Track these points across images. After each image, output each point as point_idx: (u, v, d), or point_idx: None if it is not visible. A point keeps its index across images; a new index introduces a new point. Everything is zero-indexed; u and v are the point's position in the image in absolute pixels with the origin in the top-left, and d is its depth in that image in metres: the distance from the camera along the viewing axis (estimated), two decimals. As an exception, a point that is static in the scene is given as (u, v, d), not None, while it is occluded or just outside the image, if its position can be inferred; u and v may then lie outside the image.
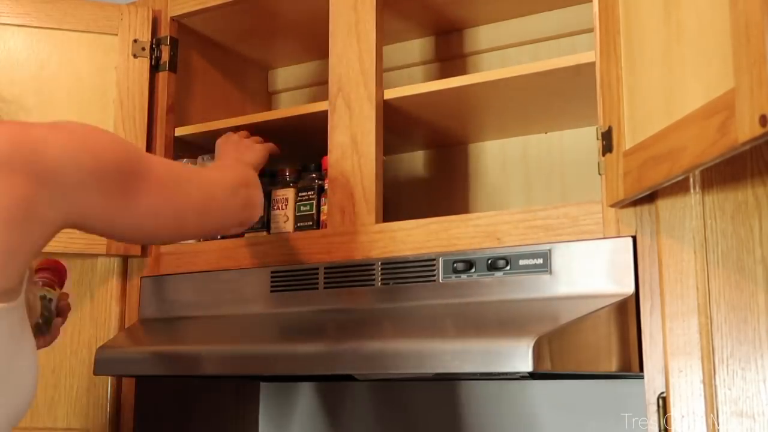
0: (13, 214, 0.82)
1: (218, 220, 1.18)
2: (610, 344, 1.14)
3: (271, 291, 1.45)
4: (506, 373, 1.22)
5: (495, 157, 1.72)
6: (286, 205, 1.56)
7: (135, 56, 1.65)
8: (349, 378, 1.59)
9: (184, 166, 1.29)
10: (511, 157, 1.70)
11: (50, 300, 1.28)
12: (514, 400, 1.62)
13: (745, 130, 0.77)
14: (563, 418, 1.57)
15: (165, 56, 1.68)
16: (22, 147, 0.84)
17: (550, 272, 1.22)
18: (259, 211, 1.27)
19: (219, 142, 1.48)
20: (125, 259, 1.61)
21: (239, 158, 1.39)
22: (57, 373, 1.59)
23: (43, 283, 1.30)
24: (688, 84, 0.92)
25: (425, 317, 1.27)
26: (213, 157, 1.53)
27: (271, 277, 1.46)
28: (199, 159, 1.63)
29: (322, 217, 1.51)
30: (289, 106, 1.94)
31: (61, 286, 1.33)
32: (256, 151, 1.45)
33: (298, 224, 1.53)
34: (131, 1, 1.74)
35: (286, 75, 2.00)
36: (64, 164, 0.87)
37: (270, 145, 1.49)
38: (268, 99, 2.01)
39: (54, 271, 1.33)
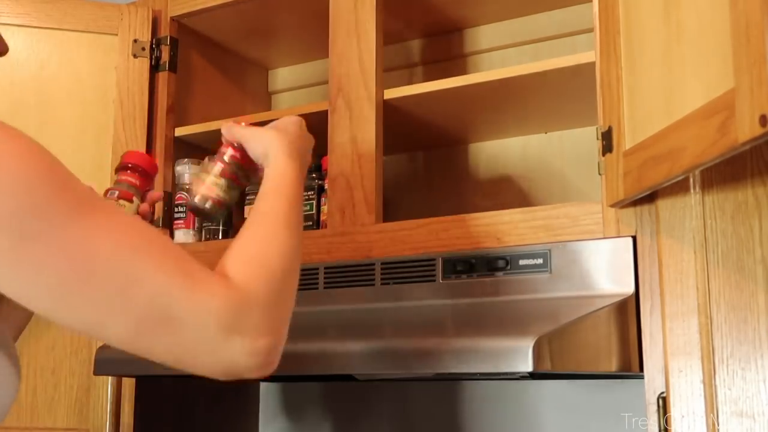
0: None
1: (174, 358, 0.77)
2: (610, 344, 1.14)
3: (271, 291, 1.45)
4: (506, 373, 1.22)
5: (495, 157, 1.72)
6: (286, 205, 1.55)
7: (135, 56, 1.65)
8: (349, 378, 1.59)
9: (152, 245, 0.75)
10: (511, 157, 1.70)
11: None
12: (514, 400, 1.62)
13: (745, 130, 0.77)
14: (563, 418, 1.57)
15: (165, 56, 1.68)
16: None
17: (550, 272, 1.22)
18: (273, 366, 0.83)
19: (228, 125, 1.10)
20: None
21: (297, 166, 0.98)
22: (57, 373, 1.59)
23: (120, 194, 1.19)
24: (688, 84, 0.92)
25: (425, 317, 1.27)
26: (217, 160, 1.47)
27: (271, 277, 1.45)
28: (206, 160, 1.61)
29: (322, 217, 1.51)
30: (289, 106, 1.94)
31: (146, 186, 1.22)
32: (308, 138, 1.08)
33: (298, 224, 1.53)
34: (131, 1, 1.74)
35: (286, 75, 2.00)
36: None
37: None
38: (268, 99, 2.01)
39: (136, 171, 1.21)
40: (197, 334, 0.74)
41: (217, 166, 1.10)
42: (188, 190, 1.21)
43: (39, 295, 0.71)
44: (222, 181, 1.10)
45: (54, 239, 0.69)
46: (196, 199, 1.10)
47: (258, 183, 0.99)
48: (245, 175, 1.11)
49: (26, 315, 1.13)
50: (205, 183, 1.10)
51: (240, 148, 1.07)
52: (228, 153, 1.09)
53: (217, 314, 0.74)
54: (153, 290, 0.72)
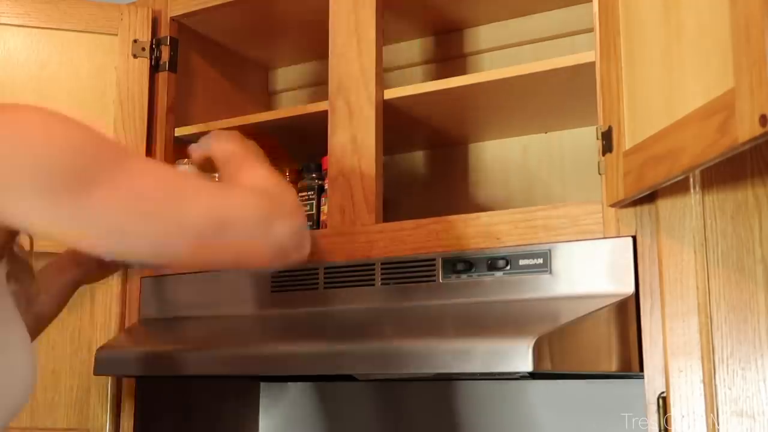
0: None
1: (234, 255, 0.91)
2: (610, 344, 1.14)
3: (271, 291, 1.45)
4: (506, 373, 1.22)
5: (495, 157, 1.72)
6: (286, 205, 1.56)
7: (135, 56, 1.65)
8: (349, 378, 1.59)
9: (188, 180, 0.92)
10: (511, 157, 1.70)
11: None
12: (514, 400, 1.62)
13: (745, 130, 0.77)
14: (563, 418, 1.57)
15: (165, 56, 1.68)
16: None
17: (550, 272, 1.22)
18: (305, 251, 0.97)
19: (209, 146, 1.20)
20: (125, 259, 1.61)
21: (250, 154, 1.13)
22: (57, 373, 1.59)
23: None
24: (687, 84, 0.92)
25: (425, 317, 1.27)
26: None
27: (271, 277, 1.46)
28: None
29: (322, 217, 1.51)
30: (289, 106, 1.94)
31: None
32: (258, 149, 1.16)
33: (298, 224, 1.53)
34: (131, 1, 1.74)
35: (286, 75, 2.00)
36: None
37: None
38: (268, 99, 2.01)
39: None
40: (249, 229, 0.89)
41: None
42: None
43: (110, 232, 0.81)
44: None
45: (113, 179, 0.80)
46: None
47: None
48: None
49: (52, 312, 1.21)
50: None
51: None
52: None
53: (260, 208, 0.90)
54: (205, 203, 0.87)
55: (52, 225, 0.80)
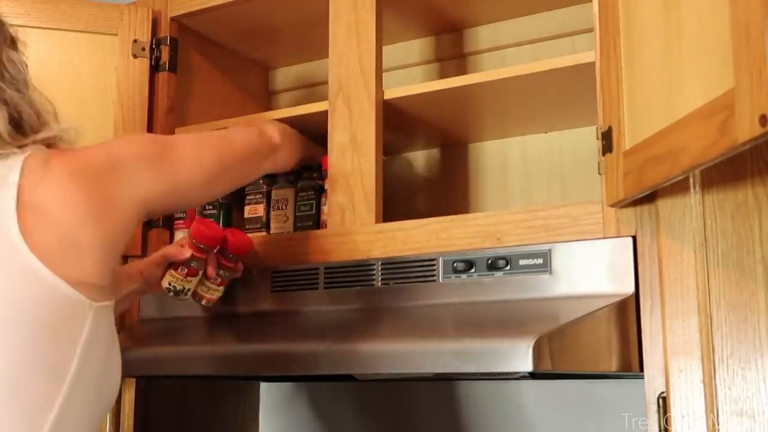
0: (101, 210, 0.98)
1: (250, 155, 1.34)
2: (610, 344, 1.14)
3: (272, 291, 1.45)
4: (506, 373, 1.22)
5: (495, 157, 1.72)
6: (286, 205, 1.56)
7: (135, 56, 1.65)
8: (349, 378, 1.59)
9: (206, 133, 1.47)
10: (511, 157, 1.70)
11: (177, 291, 1.40)
12: (514, 400, 1.62)
13: (745, 130, 0.77)
14: (563, 418, 1.57)
15: (165, 56, 1.68)
16: (83, 160, 1.02)
17: (550, 272, 1.22)
18: (276, 137, 1.41)
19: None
20: (125, 259, 1.61)
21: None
22: (57, 373, 1.59)
23: (188, 271, 1.40)
24: (688, 84, 0.92)
25: (425, 317, 1.27)
26: None
27: (272, 277, 1.46)
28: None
29: (322, 217, 1.51)
30: (289, 106, 1.94)
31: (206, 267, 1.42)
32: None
33: (298, 224, 1.53)
34: (131, 1, 1.74)
35: (286, 75, 2.00)
36: (118, 160, 1.05)
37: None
38: (268, 99, 2.01)
39: (222, 254, 1.43)
40: (249, 141, 1.36)
41: (213, 279, 1.42)
42: (194, 295, 1.45)
43: (189, 183, 1.17)
44: (219, 288, 1.45)
45: (170, 143, 1.18)
46: (203, 303, 1.45)
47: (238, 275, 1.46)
48: (231, 274, 1.44)
49: (125, 306, 1.43)
50: (207, 294, 1.44)
51: (219, 253, 1.42)
52: (213, 262, 1.41)
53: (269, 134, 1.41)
54: (238, 148, 1.31)
55: (170, 189, 1.12)
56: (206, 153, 1.22)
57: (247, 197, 1.61)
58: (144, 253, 1.60)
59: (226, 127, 1.53)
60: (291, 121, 1.57)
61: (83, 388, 0.96)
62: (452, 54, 1.77)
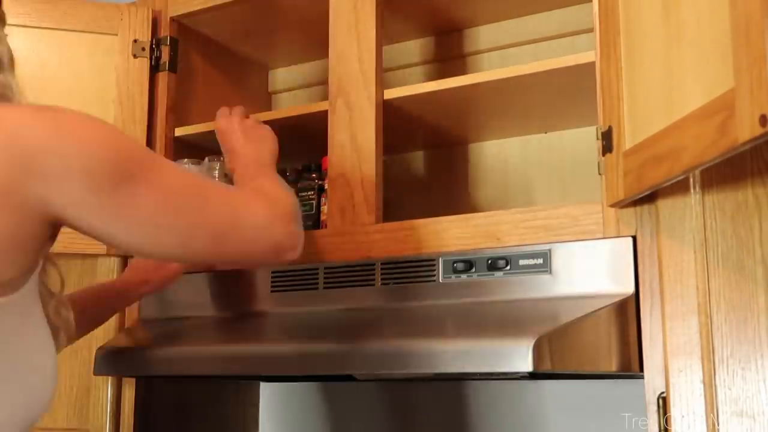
0: None
1: (240, 252, 1.01)
2: (610, 344, 1.14)
3: (272, 291, 1.45)
4: (506, 373, 1.22)
5: (495, 157, 1.72)
6: (286, 205, 1.56)
7: (135, 56, 1.65)
8: (349, 378, 1.59)
9: (207, 182, 1.15)
10: (511, 157, 1.70)
11: None
12: (514, 400, 1.62)
13: (745, 130, 0.77)
14: (563, 418, 1.57)
15: (165, 56, 1.68)
16: (1, 129, 0.81)
17: (550, 272, 1.22)
18: (298, 251, 1.06)
19: (222, 129, 1.36)
20: (125, 259, 1.61)
21: (262, 162, 1.25)
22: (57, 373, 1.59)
23: None
24: (688, 84, 0.92)
25: (425, 317, 1.27)
26: (219, 159, 1.53)
27: (271, 277, 1.46)
28: (206, 160, 1.61)
29: (322, 217, 1.51)
30: (289, 106, 1.94)
31: None
32: (268, 140, 1.32)
33: (298, 224, 1.53)
34: (131, 1, 1.74)
35: (286, 75, 2.00)
36: (45, 151, 0.82)
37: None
38: (268, 99, 2.01)
39: None
40: (255, 231, 1.00)
41: None
42: None
43: (143, 225, 0.90)
44: None
45: (147, 177, 0.89)
46: None
47: None
48: None
49: (91, 322, 1.33)
50: None
51: None
52: None
53: (264, 211, 1.02)
54: (220, 207, 0.97)
55: (94, 217, 0.87)
56: (180, 215, 0.93)
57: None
58: (144, 253, 1.60)
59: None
60: (291, 121, 1.57)
61: None
62: (452, 54, 1.77)
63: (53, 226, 0.88)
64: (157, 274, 1.40)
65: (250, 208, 1.01)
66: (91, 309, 1.33)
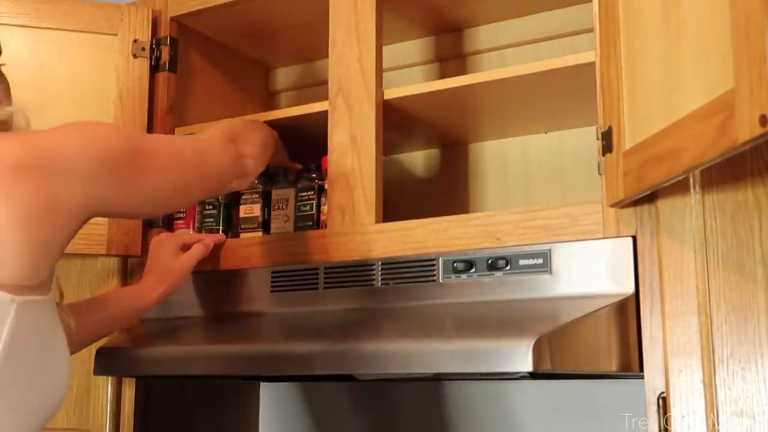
0: (40, 211, 0.92)
1: (216, 180, 1.26)
2: (610, 344, 1.14)
3: (272, 291, 1.45)
4: (506, 373, 1.22)
5: (495, 157, 1.72)
6: (286, 205, 1.56)
7: (135, 56, 1.65)
8: (349, 378, 1.59)
9: (178, 138, 1.44)
10: (511, 157, 1.70)
11: None
12: (514, 400, 1.62)
13: (745, 130, 0.77)
14: (563, 418, 1.57)
15: (165, 56, 1.68)
16: (35, 152, 0.94)
17: (550, 272, 1.22)
18: (250, 163, 1.32)
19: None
20: (125, 259, 1.61)
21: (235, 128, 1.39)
22: (57, 373, 1.59)
23: None
24: (687, 84, 0.92)
25: (425, 317, 1.27)
26: None
27: (272, 277, 1.46)
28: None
29: (322, 217, 1.51)
30: (289, 106, 1.94)
31: None
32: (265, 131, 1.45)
33: (298, 224, 1.53)
34: (131, 1, 1.74)
35: (286, 75, 2.00)
36: (76, 159, 0.97)
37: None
38: (268, 99, 2.01)
39: None
40: (221, 164, 1.26)
41: None
42: None
43: (146, 198, 1.10)
44: None
45: (145, 154, 1.07)
46: None
47: None
48: None
49: (99, 330, 1.37)
50: None
51: None
52: None
53: (219, 137, 1.29)
54: (208, 169, 1.23)
55: (121, 195, 1.04)
56: (176, 171, 1.14)
57: (243, 197, 1.60)
58: (143, 252, 1.60)
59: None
60: (291, 121, 1.57)
61: (6, 390, 0.91)
62: (452, 54, 1.77)
63: (81, 224, 1.00)
64: (170, 276, 1.42)
65: (207, 141, 1.27)
66: (89, 316, 1.34)
